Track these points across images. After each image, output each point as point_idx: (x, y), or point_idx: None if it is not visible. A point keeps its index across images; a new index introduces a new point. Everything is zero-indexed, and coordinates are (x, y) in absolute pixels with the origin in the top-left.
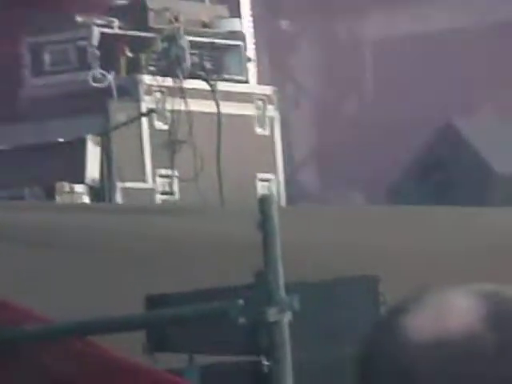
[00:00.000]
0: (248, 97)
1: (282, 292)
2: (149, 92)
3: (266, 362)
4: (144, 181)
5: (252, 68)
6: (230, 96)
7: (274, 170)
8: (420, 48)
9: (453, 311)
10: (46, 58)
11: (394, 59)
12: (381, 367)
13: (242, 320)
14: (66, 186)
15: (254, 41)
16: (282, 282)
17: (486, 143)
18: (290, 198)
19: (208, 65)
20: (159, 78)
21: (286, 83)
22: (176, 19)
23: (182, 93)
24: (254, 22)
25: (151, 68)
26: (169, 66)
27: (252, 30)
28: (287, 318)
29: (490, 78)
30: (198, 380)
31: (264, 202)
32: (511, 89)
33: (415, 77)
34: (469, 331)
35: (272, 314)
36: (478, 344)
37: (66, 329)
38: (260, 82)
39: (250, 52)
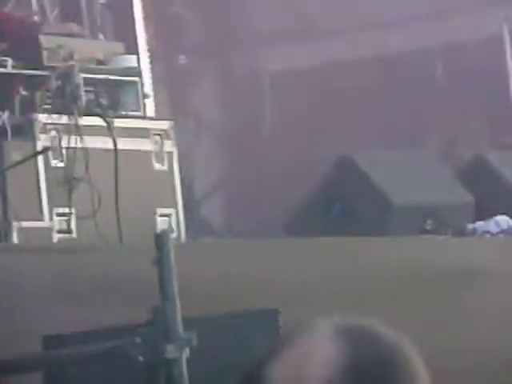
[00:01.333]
0: (145, 132)
1: (180, 328)
2: (44, 130)
3: None
4: (41, 220)
5: (149, 104)
6: (126, 132)
7: (173, 205)
8: (318, 80)
9: (311, 364)
10: None
11: (293, 92)
12: None
13: (140, 358)
14: None
15: (151, 76)
16: (179, 318)
17: (383, 175)
18: (192, 233)
19: (104, 101)
20: (54, 116)
21: (187, 118)
22: (71, 57)
23: (78, 130)
24: (152, 57)
25: (46, 106)
26: (64, 104)
27: (149, 66)
28: (185, 354)
29: (381, 110)
30: None
31: (160, 237)
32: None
33: (314, 110)
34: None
35: (170, 350)
36: None
37: None
38: (159, 117)
39: (148, 88)
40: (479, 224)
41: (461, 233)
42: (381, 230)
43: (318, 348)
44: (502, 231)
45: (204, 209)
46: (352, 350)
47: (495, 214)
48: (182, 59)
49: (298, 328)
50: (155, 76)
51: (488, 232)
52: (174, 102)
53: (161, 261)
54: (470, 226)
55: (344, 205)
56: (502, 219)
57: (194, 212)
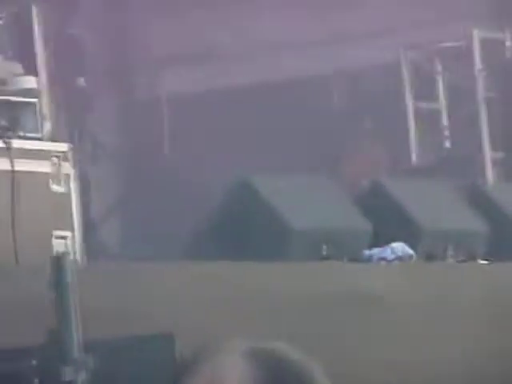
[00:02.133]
0: (43, 154)
1: (77, 351)
2: None
3: None
4: None
5: (47, 125)
6: (25, 153)
7: (70, 228)
8: (218, 102)
9: (228, 379)
10: None
11: (191, 114)
12: None
13: (36, 381)
14: None
15: (50, 98)
16: (76, 340)
17: (280, 199)
18: (89, 255)
19: (2, 122)
20: None
21: (84, 140)
22: None
23: None
24: (51, 79)
25: None
26: None
27: (48, 88)
28: (82, 376)
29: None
30: None
31: (57, 260)
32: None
33: (212, 130)
34: None
35: (67, 372)
36: None
37: None
38: (57, 139)
39: (46, 109)
40: (375, 250)
41: (357, 259)
42: (278, 256)
43: (229, 370)
44: (398, 258)
45: (101, 230)
46: (261, 373)
47: (392, 241)
48: (81, 82)
49: (205, 349)
50: (53, 98)
51: (384, 259)
52: (71, 124)
53: (57, 283)
54: (367, 253)
55: (241, 229)
56: (398, 246)
57: (91, 235)
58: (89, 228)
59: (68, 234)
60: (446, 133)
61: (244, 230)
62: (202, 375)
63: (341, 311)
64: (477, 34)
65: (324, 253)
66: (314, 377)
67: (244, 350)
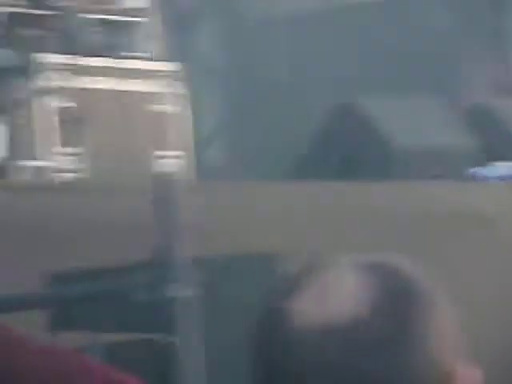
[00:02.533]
0: (153, 74)
1: (185, 267)
2: (51, 70)
3: (172, 339)
4: (46, 159)
5: (157, 45)
6: (133, 73)
7: (179, 147)
8: (329, 23)
9: (338, 294)
10: None
11: (306, 35)
12: (266, 354)
13: (146, 297)
14: None
15: (160, 18)
16: (183, 257)
17: (390, 120)
18: (199, 174)
19: (110, 42)
20: (61, 56)
21: (193, 60)
22: None
23: (85, 70)
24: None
25: (50, 46)
26: (68, 44)
27: (158, 7)
28: (190, 293)
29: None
30: (102, 358)
31: (163, 177)
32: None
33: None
34: (352, 318)
35: (175, 289)
36: (361, 333)
37: None
38: (165, 58)
39: (156, 29)
40: (480, 169)
41: (462, 178)
42: (384, 176)
43: (344, 278)
44: (501, 177)
45: (207, 150)
46: (379, 282)
47: (497, 160)
48: (191, 1)
49: (312, 263)
50: (164, 18)
51: (486, 177)
52: (182, 45)
53: (164, 200)
54: (471, 171)
55: (344, 154)
56: (503, 165)
57: (201, 154)
58: (198, 147)
59: (174, 153)
60: None
61: (350, 149)
62: (309, 291)
63: (448, 231)
64: None
65: (434, 172)
66: (429, 290)
67: (352, 263)
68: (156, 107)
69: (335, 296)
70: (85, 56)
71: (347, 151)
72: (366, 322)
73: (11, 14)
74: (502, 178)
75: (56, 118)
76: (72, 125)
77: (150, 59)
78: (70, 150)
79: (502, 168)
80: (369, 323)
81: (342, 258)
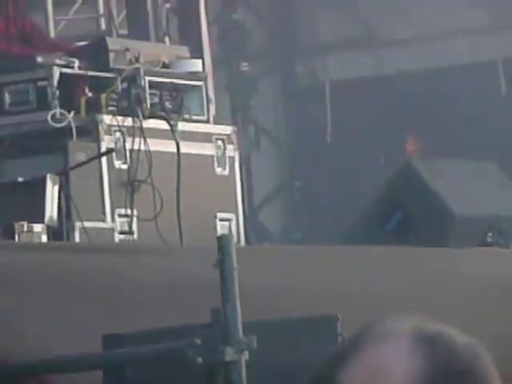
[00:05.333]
0: (208, 137)
1: (240, 331)
2: (108, 132)
3: None
4: (103, 220)
5: (212, 108)
6: (190, 136)
7: (233, 210)
8: (378, 89)
9: (387, 378)
10: (6, 97)
11: (352, 99)
12: None
13: (199, 360)
14: (25, 225)
15: (214, 81)
16: (239, 321)
17: (444, 184)
18: (250, 238)
19: (168, 104)
20: (119, 118)
21: (247, 124)
22: (136, 60)
23: (142, 132)
24: (215, 62)
25: (111, 108)
26: (129, 106)
27: (212, 71)
28: (245, 357)
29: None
30: None
31: (222, 240)
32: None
33: (374, 117)
34: None
35: (229, 353)
36: None
37: (22, 367)
38: (220, 122)
39: (211, 92)
40: None
41: None
42: (441, 241)
43: (395, 362)
44: None
45: (262, 214)
46: (429, 364)
47: None
48: (244, 66)
49: (368, 330)
50: (218, 81)
51: None
52: (235, 108)
53: (223, 263)
54: None
55: (404, 213)
56: None
57: (253, 217)
58: (250, 211)
59: (231, 216)
60: None
61: (406, 214)
62: (362, 363)
63: (507, 297)
64: None
65: (488, 240)
66: (485, 366)
67: (411, 335)
68: (211, 170)
69: (385, 379)
70: (142, 118)
71: (407, 214)
72: None
73: (72, 75)
74: None
75: (112, 179)
76: (127, 186)
77: (206, 122)
78: (126, 211)
79: None
80: None
81: (397, 325)
